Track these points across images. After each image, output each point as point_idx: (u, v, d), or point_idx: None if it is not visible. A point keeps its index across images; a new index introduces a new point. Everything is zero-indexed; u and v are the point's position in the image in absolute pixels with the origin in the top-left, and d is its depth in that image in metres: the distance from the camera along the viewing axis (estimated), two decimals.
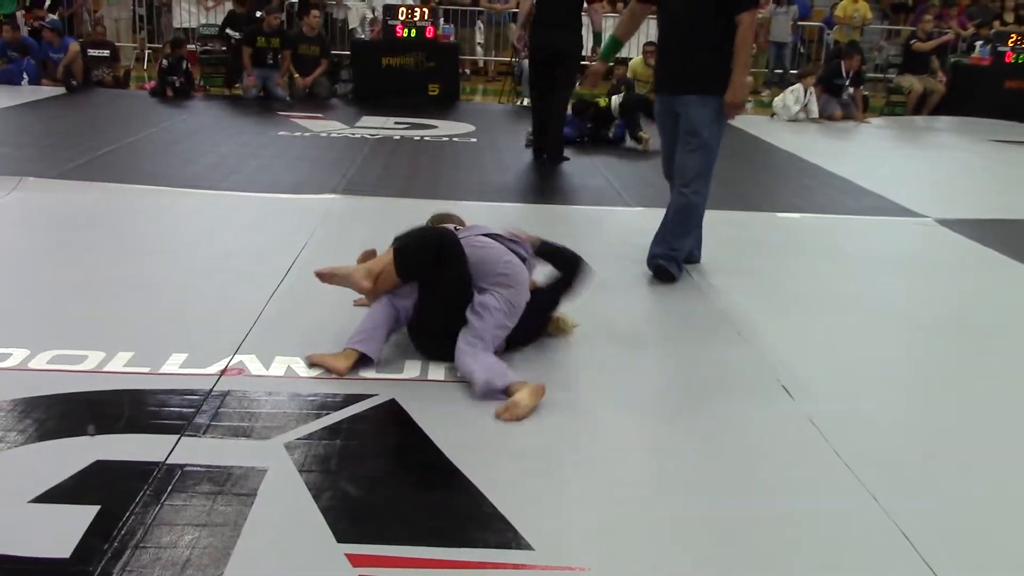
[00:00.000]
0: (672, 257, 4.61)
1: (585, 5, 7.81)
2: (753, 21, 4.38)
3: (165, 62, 11.40)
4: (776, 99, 11.97)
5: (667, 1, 4.47)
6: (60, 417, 2.89)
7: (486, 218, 5.49)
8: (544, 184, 7.41)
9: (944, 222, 6.23)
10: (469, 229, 3.68)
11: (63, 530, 2.27)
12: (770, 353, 3.74)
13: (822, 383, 3.48)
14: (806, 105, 11.70)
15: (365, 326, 3.39)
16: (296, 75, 11.76)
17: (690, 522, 2.50)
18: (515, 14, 8.29)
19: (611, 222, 5.91)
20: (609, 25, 9.94)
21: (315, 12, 12.06)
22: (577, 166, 7.84)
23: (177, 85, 11.24)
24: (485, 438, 2.92)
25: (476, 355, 3.24)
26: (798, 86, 11.82)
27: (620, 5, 14.41)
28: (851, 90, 12.07)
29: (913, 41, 13.05)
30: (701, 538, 2.43)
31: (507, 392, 3.11)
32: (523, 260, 3.54)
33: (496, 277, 3.40)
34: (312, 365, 3.33)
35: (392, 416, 3.03)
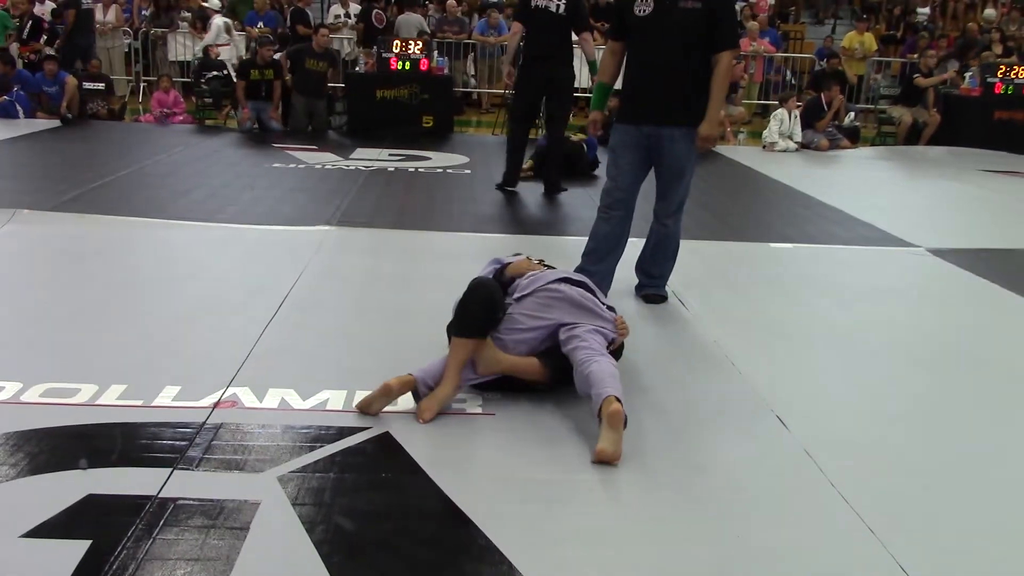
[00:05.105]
0: (658, 284, 4.88)
1: (575, 36, 7.86)
2: (732, 60, 4.56)
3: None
4: (764, 132, 12.03)
5: (646, 36, 4.52)
6: (52, 451, 2.88)
7: (480, 248, 5.53)
8: (538, 215, 7.44)
9: (936, 251, 6.26)
10: (538, 277, 3.68)
11: (54, 565, 2.26)
12: (764, 383, 3.75)
13: (816, 413, 3.48)
14: (791, 135, 11.77)
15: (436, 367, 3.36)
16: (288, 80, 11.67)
17: (684, 554, 2.49)
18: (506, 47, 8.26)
19: None
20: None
21: (324, 30, 12.11)
22: (573, 196, 7.87)
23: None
24: (479, 471, 2.91)
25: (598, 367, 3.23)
26: (781, 111, 11.89)
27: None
28: (835, 122, 12.19)
29: (916, 76, 13.17)
30: (696, 571, 2.42)
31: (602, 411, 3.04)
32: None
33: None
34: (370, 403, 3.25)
35: (386, 449, 3.02)
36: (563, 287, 3.56)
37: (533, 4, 7.53)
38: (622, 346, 3.67)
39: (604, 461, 2.94)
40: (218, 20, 13.84)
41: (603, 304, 3.63)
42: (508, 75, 8.48)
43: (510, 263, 3.84)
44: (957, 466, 3.12)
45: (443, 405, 3.27)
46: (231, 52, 13.61)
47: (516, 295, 3.60)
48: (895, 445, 3.26)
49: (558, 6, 7.44)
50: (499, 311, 3.44)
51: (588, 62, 7.81)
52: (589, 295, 3.59)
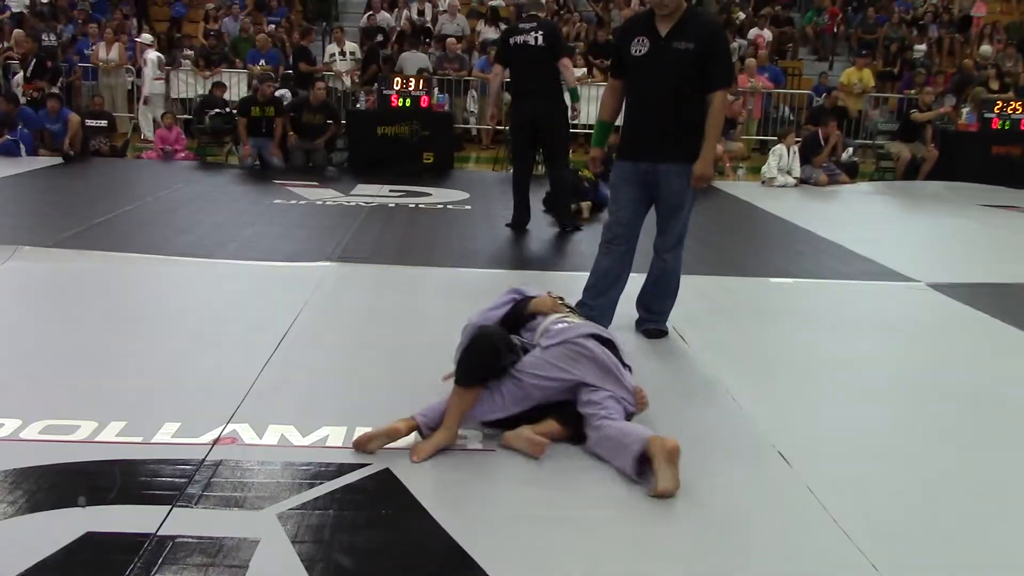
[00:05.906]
0: (658, 319, 4.90)
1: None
2: (725, 98, 4.63)
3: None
4: (763, 168, 12.09)
5: (643, 75, 4.59)
6: (51, 488, 2.86)
7: (481, 284, 5.54)
8: (538, 251, 7.45)
9: (936, 286, 6.26)
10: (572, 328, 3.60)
11: None
12: (765, 418, 3.74)
13: (818, 449, 3.47)
14: (789, 171, 11.82)
15: (437, 409, 3.35)
16: (291, 132, 11.86)
17: None
18: (505, 84, 8.24)
19: None
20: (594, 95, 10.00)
21: (320, 84, 12.28)
22: (577, 232, 7.90)
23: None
24: (480, 508, 2.90)
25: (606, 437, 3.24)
26: (780, 146, 11.96)
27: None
28: (833, 158, 12.27)
29: (913, 111, 13.28)
30: None
31: (645, 456, 3.07)
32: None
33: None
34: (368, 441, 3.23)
35: (387, 486, 3.00)
36: (591, 344, 3.48)
37: (512, 42, 7.58)
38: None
39: (665, 495, 2.97)
40: (152, 55, 13.99)
41: (624, 365, 3.56)
42: (491, 117, 8.53)
43: (532, 298, 3.80)
44: (960, 503, 3.11)
45: (438, 449, 3.24)
46: (162, 87, 13.99)
47: (545, 343, 3.52)
48: (897, 481, 3.24)
49: (536, 38, 7.47)
50: (503, 359, 3.39)
51: (568, 89, 7.77)
52: (614, 358, 3.51)
